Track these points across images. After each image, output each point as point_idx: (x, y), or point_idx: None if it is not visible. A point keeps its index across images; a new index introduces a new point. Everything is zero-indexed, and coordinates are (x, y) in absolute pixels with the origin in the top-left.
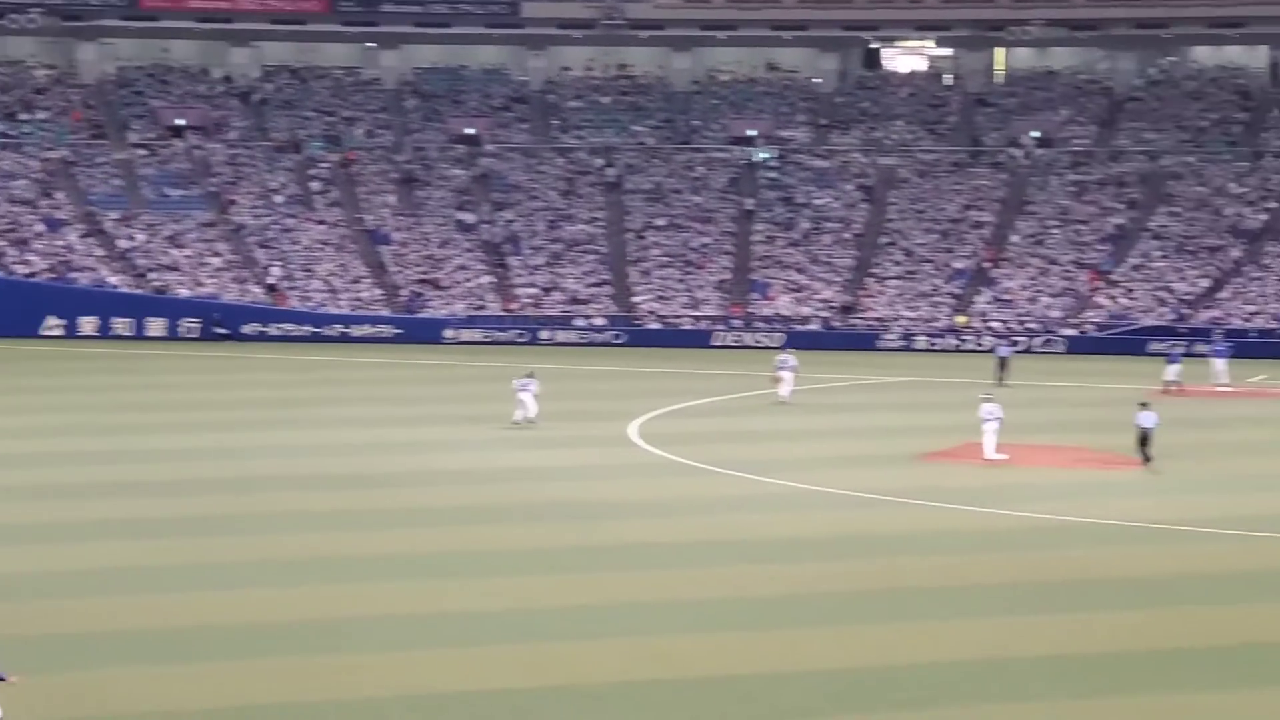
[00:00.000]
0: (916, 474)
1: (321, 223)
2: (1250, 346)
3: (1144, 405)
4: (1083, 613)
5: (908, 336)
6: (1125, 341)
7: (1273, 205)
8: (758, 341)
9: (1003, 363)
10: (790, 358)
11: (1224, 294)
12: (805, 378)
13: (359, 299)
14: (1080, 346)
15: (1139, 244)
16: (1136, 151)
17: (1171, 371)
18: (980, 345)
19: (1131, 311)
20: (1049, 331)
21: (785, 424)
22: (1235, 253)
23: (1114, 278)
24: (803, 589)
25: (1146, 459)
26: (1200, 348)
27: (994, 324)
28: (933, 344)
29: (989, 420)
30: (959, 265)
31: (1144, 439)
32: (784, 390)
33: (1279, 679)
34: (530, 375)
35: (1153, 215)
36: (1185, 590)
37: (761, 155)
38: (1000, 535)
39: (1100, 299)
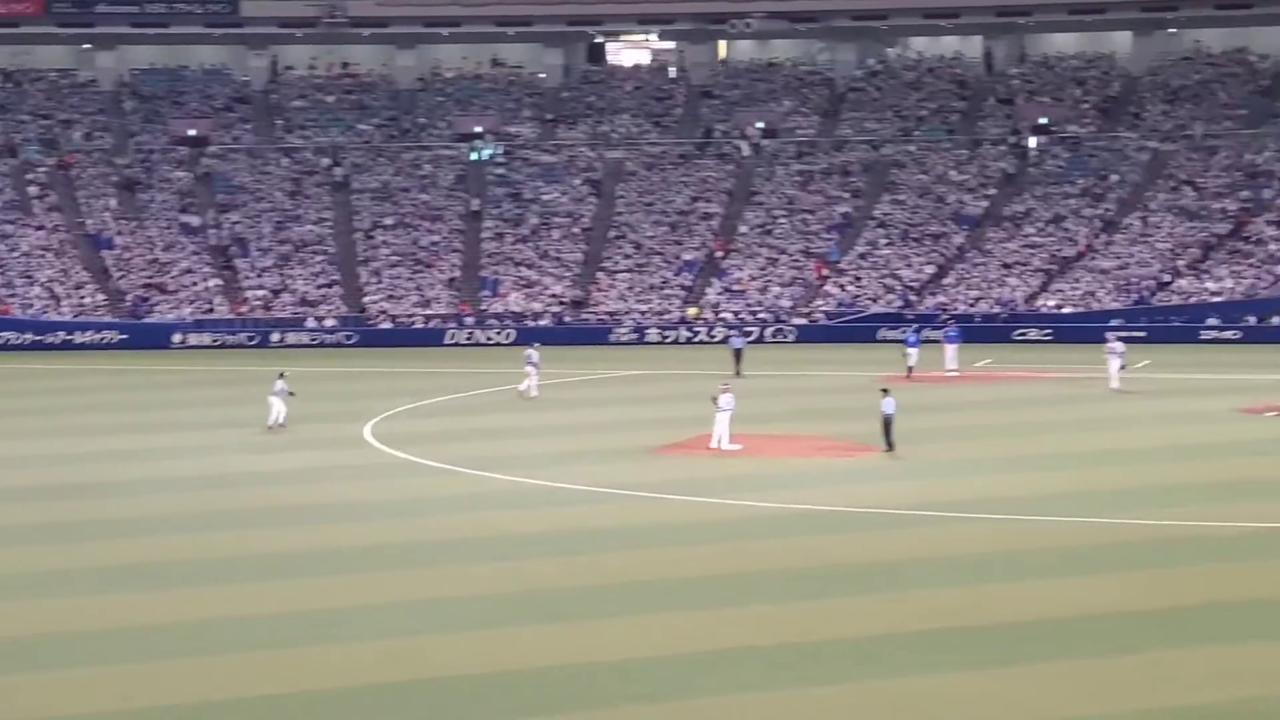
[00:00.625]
0: (652, 467)
1: (41, 228)
2: (975, 331)
3: (885, 392)
4: (821, 599)
5: (640, 330)
6: (855, 329)
7: (992, 192)
8: (489, 339)
9: (737, 354)
10: (534, 353)
11: (949, 280)
12: (539, 373)
13: (82, 305)
14: (811, 335)
15: (865, 232)
16: (859, 141)
17: (913, 356)
18: (712, 337)
19: (860, 299)
20: (780, 321)
21: (520, 421)
22: (958, 239)
23: (842, 266)
24: (538, 585)
25: (889, 445)
26: (931, 334)
27: (725, 315)
28: (665, 337)
29: (723, 411)
30: (688, 257)
31: (886, 425)
32: (525, 385)
33: (1011, 659)
34: (281, 375)
35: (877, 203)
36: (924, 574)
37: (486, 152)
38: (737, 525)
39: (829, 287)
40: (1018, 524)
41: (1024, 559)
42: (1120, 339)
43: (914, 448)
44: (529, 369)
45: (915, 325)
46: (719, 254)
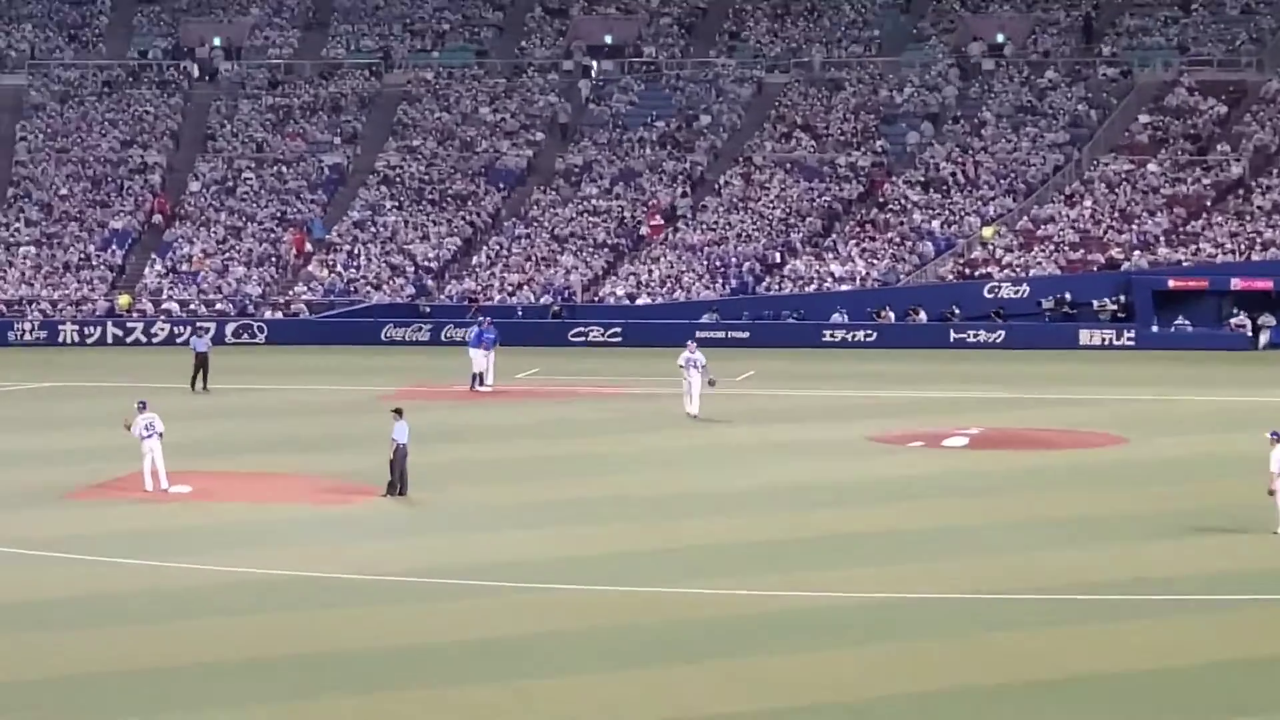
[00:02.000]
0: (60, 518)
1: None
2: (516, 330)
3: (397, 414)
4: (242, 707)
5: (50, 326)
6: (351, 327)
7: (538, 138)
8: None
9: (201, 360)
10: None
11: (479, 259)
12: None
13: None
14: (289, 334)
15: (363, 192)
16: (354, 65)
17: (479, 360)
18: (151, 336)
19: (358, 285)
20: (246, 315)
21: None
22: (492, 202)
23: (332, 240)
24: None
25: (398, 487)
26: (454, 333)
27: (171, 305)
28: (86, 335)
29: (148, 437)
30: (118, 225)
31: (397, 460)
32: None
33: None
34: None
35: (381, 152)
36: (415, 668)
37: None
38: (184, 598)
39: (314, 268)
40: (561, 596)
41: (571, 644)
42: (699, 344)
43: (431, 491)
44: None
45: (480, 318)
46: (161, 221)
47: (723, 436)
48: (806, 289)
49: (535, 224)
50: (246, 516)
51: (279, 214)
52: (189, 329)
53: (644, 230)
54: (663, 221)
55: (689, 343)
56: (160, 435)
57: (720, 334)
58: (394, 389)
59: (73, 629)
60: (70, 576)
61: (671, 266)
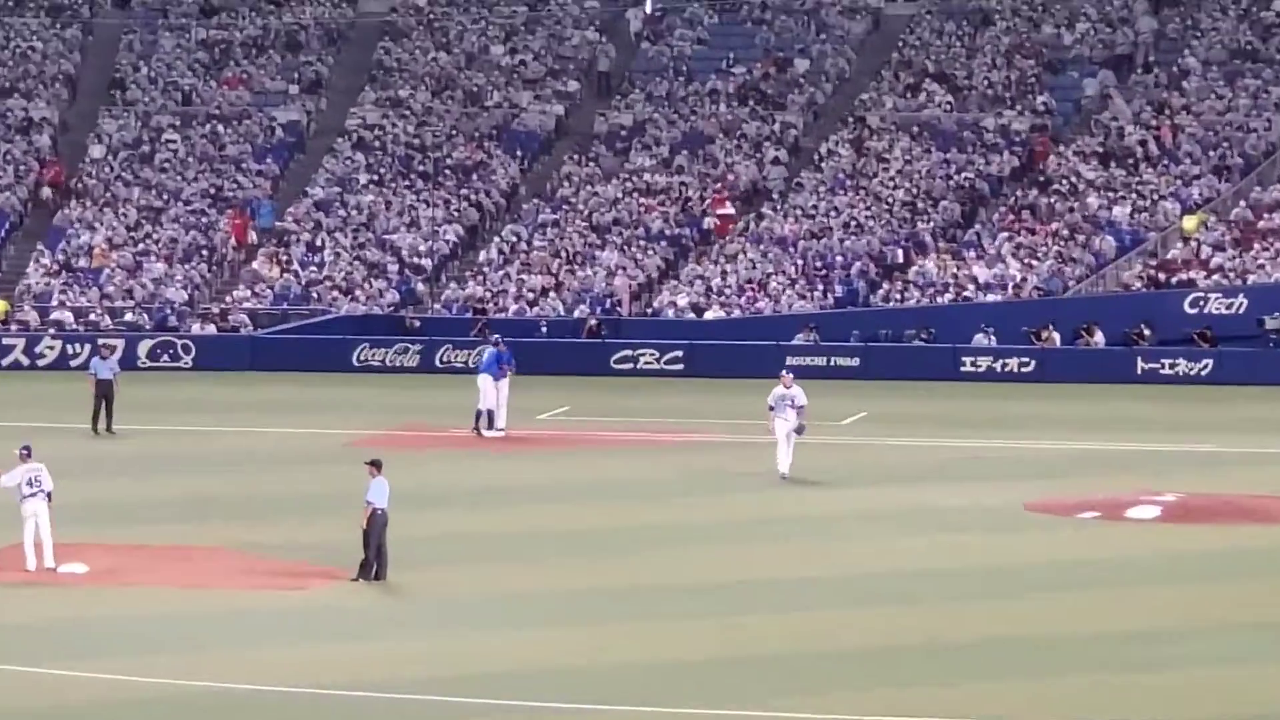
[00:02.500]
0: None
1: None
2: (539, 354)
3: (374, 468)
4: None
5: None
6: (312, 347)
7: (571, 89)
8: None
9: (104, 390)
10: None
11: (489, 255)
12: None
13: None
14: (223, 356)
15: (330, 161)
16: None
17: (489, 396)
18: (36, 357)
19: (322, 290)
20: (165, 329)
21: None
22: (507, 175)
23: (287, 226)
24: None
25: (374, 568)
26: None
27: (64, 315)
28: None
29: (31, 495)
30: None
31: (372, 531)
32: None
33: None
34: None
35: (355, 107)
36: None
37: None
38: None
39: (262, 266)
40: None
41: None
42: (795, 375)
43: (417, 573)
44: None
45: (494, 336)
46: (51, 198)
47: (818, 503)
48: (939, 299)
49: (566, 207)
50: (164, 608)
51: (212, 190)
52: (88, 348)
53: (709, 222)
54: (735, 211)
55: (784, 374)
56: (48, 495)
57: (819, 360)
58: (370, 433)
59: None
60: None
61: (753, 268)
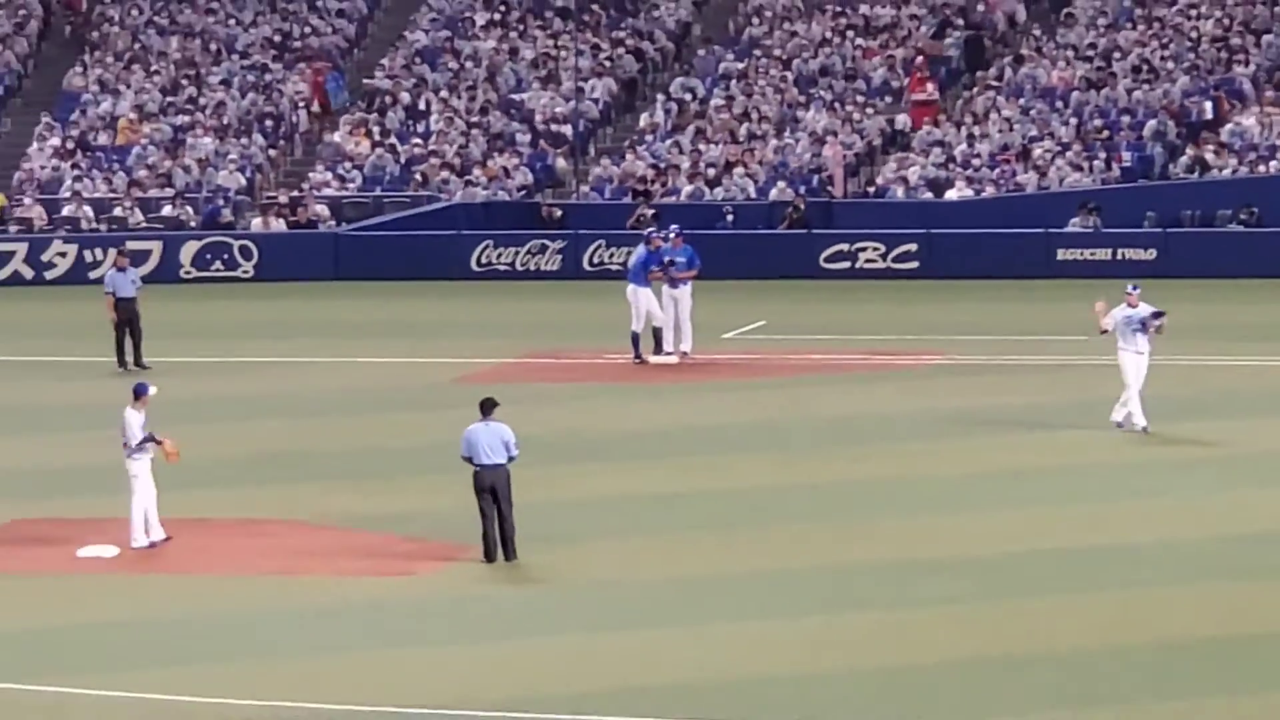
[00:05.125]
0: None
1: None
2: (721, 251)
3: (486, 408)
4: None
5: None
6: (416, 246)
7: None
8: None
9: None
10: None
11: (653, 118)
12: None
13: None
14: (294, 261)
15: None
16: None
17: (648, 308)
18: (43, 267)
19: (428, 170)
20: (218, 226)
21: None
22: (674, 10)
23: (378, 83)
24: None
25: (499, 546)
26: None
27: (78, 210)
28: None
29: (139, 451)
30: None
31: (489, 493)
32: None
33: None
34: None
35: None
36: None
37: None
38: None
39: (345, 139)
40: None
41: None
42: (1138, 288)
43: (558, 553)
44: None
45: (648, 230)
46: (50, 58)
47: (1113, 446)
48: (1263, 168)
49: (756, 51)
50: (226, 602)
51: (277, 37)
52: (111, 253)
53: (901, 115)
54: (938, 96)
55: (1130, 291)
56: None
57: (1102, 253)
58: (490, 362)
59: None
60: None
61: (1011, 130)
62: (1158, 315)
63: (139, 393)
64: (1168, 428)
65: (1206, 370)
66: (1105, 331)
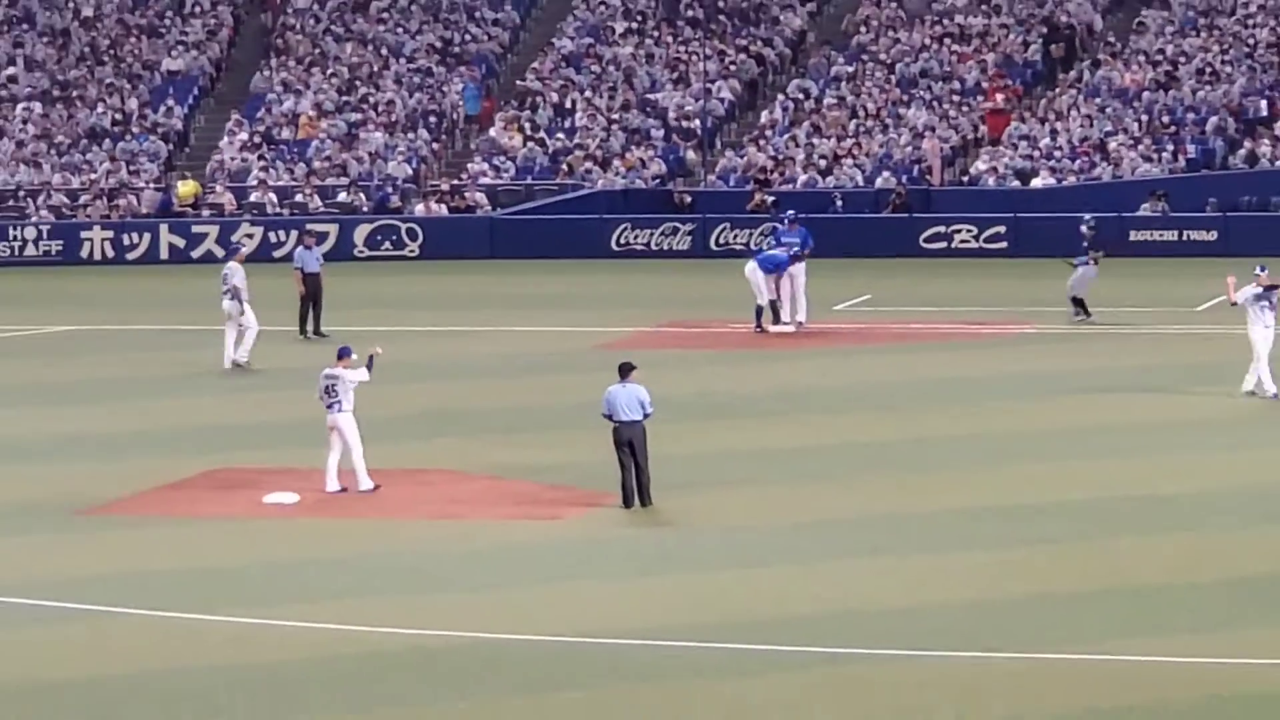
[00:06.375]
0: (121, 542)
1: None
2: (833, 232)
3: (626, 370)
4: None
5: (68, 231)
6: (562, 229)
7: None
8: None
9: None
10: None
11: (773, 115)
12: None
13: None
14: (455, 242)
15: (579, 6)
16: None
17: (766, 287)
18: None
19: (574, 161)
20: (387, 211)
21: None
22: (792, 21)
23: (530, 86)
24: None
25: (632, 494)
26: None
27: (264, 197)
28: (125, 245)
29: (343, 410)
30: (176, 66)
31: (627, 446)
32: None
33: None
34: None
35: None
36: None
37: None
38: (320, 674)
39: (501, 134)
40: (938, 666)
41: None
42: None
43: (692, 497)
44: None
45: (787, 215)
46: (240, 61)
47: (1180, 407)
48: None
49: (864, 55)
50: (387, 545)
51: (439, 44)
52: (294, 235)
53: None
54: (1012, 104)
55: (1259, 272)
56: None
57: (1169, 235)
58: (632, 330)
59: None
60: (125, 642)
61: (1089, 125)
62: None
63: (342, 354)
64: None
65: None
66: (1235, 304)
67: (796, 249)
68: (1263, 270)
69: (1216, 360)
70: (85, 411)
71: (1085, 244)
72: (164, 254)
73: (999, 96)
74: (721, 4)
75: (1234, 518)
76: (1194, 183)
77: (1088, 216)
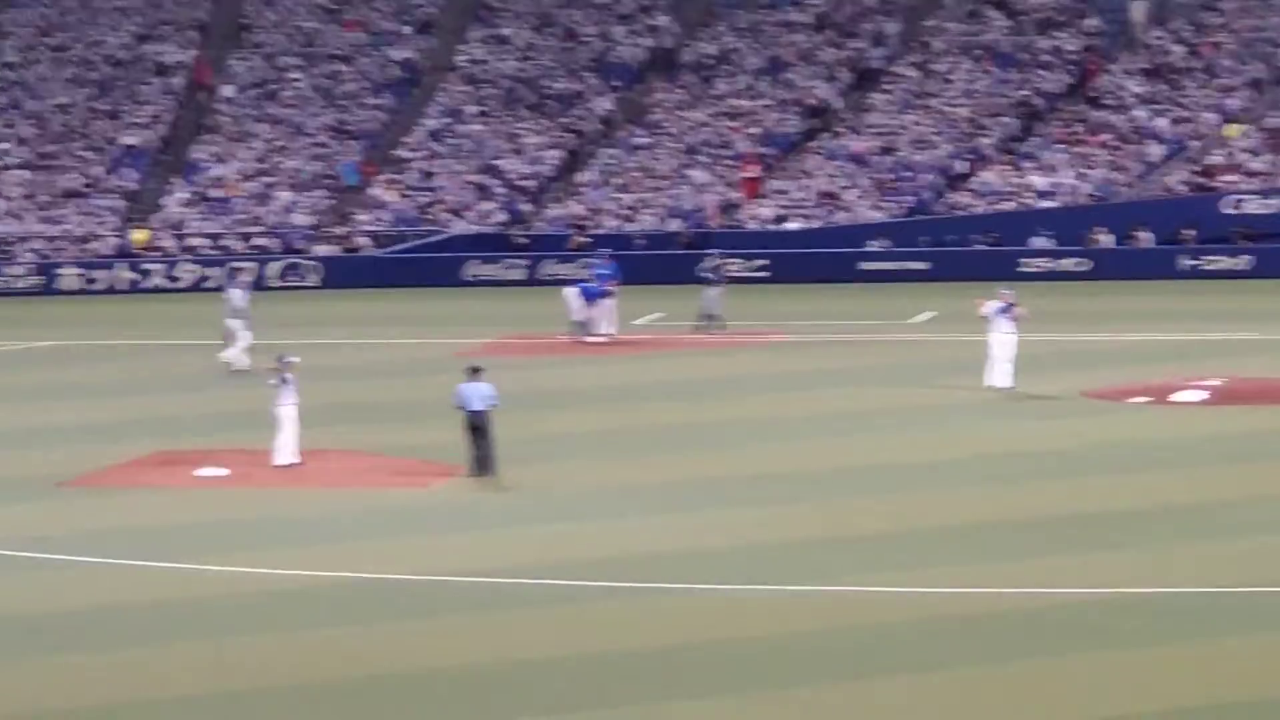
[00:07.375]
0: (94, 508)
1: None
2: (635, 265)
3: (474, 372)
4: None
5: (47, 269)
6: (426, 264)
7: (662, 22)
8: None
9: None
10: None
11: (589, 176)
12: None
13: None
14: (347, 275)
15: (442, 94)
16: None
17: (581, 310)
18: (175, 280)
19: (435, 212)
20: (293, 251)
21: None
22: (603, 104)
23: (403, 155)
24: None
25: (480, 466)
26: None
27: (198, 240)
28: (92, 280)
29: (284, 405)
30: (131, 141)
31: (475, 430)
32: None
33: None
34: None
35: (463, 44)
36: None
37: None
38: (229, 609)
39: (381, 190)
40: (699, 600)
41: (714, 657)
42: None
43: (528, 469)
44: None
45: (599, 255)
46: (184, 135)
47: (896, 396)
48: (1000, 206)
49: (659, 130)
50: (292, 508)
51: (334, 124)
52: (224, 270)
53: (727, 196)
54: (760, 175)
55: (1003, 291)
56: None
57: (891, 265)
58: (479, 342)
59: (107, 649)
60: (87, 583)
61: (830, 181)
62: (1019, 316)
63: (284, 361)
64: (930, 382)
65: (954, 344)
66: (984, 317)
67: (608, 278)
68: (1008, 291)
69: (930, 360)
70: (63, 406)
71: (712, 273)
72: (123, 286)
73: (750, 169)
74: (548, 91)
75: (954, 480)
76: (910, 225)
77: (714, 251)
